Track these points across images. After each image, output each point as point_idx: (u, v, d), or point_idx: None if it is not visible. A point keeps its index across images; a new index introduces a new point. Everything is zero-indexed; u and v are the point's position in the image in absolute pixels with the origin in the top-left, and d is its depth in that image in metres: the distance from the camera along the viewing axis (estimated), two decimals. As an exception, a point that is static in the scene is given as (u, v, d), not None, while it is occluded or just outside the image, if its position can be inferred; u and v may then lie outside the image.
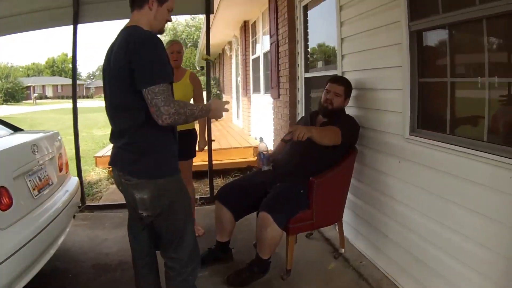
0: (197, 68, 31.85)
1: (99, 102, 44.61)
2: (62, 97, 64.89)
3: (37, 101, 54.00)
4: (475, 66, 2.19)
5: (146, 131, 2.05)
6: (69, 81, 70.53)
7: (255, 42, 8.91)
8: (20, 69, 76.56)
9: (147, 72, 1.91)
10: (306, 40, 4.90)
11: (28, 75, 73.48)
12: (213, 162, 5.95)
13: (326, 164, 3.06)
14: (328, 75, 3.78)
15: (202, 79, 16.66)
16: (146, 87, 1.90)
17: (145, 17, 2.06)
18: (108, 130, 2.27)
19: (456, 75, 2.30)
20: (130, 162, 2.09)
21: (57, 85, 70.67)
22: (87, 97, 72.98)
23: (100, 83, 78.24)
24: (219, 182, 6.67)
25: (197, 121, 3.86)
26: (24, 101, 56.60)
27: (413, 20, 2.51)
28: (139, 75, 1.92)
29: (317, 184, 2.95)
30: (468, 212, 2.11)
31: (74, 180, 3.59)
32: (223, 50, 14.90)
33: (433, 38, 2.51)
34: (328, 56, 4.46)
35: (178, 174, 2.21)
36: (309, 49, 4.91)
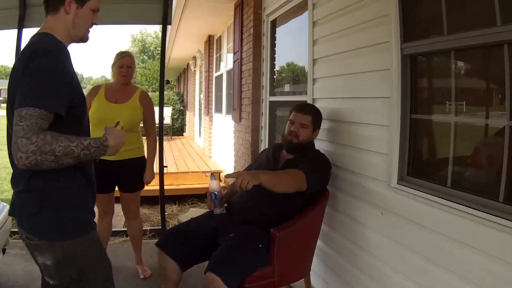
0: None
1: None
2: None
3: (3, 105, 51.53)
4: (488, 102, 1.69)
5: (45, 174, 1.47)
6: None
7: (219, 59, 8.36)
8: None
9: (24, 89, 1.36)
10: (273, 59, 4.37)
11: (-2, 78, 70.10)
12: (169, 187, 5.45)
13: (291, 210, 2.49)
14: (297, 101, 3.24)
15: (166, 93, 16.10)
16: (16, 108, 1.35)
17: (61, 23, 1.61)
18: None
19: (462, 112, 1.79)
20: (28, 215, 1.54)
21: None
22: None
23: None
24: (174, 209, 6.06)
25: (145, 146, 3.31)
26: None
27: (407, 41, 2.00)
28: (18, 93, 1.37)
29: (279, 238, 2.35)
30: (462, 282, 1.64)
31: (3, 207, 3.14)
32: (188, 64, 14.29)
33: (432, 64, 2.01)
34: (298, 79, 3.94)
35: (92, 232, 1.64)
36: (276, 69, 4.39)
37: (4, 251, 3.08)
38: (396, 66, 2.03)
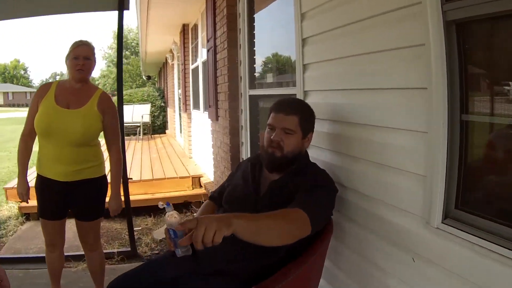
0: (144, 78, 29.95)
1: None
2: (13, 105, 61.91)
3: (4, 108, 50.09)
4: None
5: None
6: (21, 88, 69.21)
7: (195, 49, 7.54)
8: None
9: None
10: (251, 44, 3.60)
11: (-21, 81, 68.67)
12: (143, 197, 5.31)
13: (282, 256, 1.74)
14: (283, 95, 2.50)
15: (146, 90, 15.31)
16: None
17: None
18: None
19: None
20: None
21: (7, 92, 67.20)
22: None
23: None
24: (149, 223, 5.31)
25: (108, 164, 2.70)
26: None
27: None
28: None
29: (265, 299, 1.61)
30: None
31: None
32: (166, 58, 13.42)
33: (494, 36, 1.26)
34: (283, 67, 3.18)
35: None
36: (255, 57, 3.62)
37: None
38: (435, 39, 1.28)
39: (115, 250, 4.10)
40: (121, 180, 2.69)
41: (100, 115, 2.51)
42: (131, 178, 4.58)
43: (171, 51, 10.88)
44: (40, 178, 2.54)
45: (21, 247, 4.36)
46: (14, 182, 6.21)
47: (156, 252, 4.27)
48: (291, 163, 1.84)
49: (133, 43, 46.65)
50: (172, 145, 10.10)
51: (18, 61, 76.96)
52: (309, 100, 2.20)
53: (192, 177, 5.94)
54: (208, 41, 4.76)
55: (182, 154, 8.16)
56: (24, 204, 5.54)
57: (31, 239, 4.57)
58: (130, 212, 3.94)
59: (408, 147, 1.47)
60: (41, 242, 2.74)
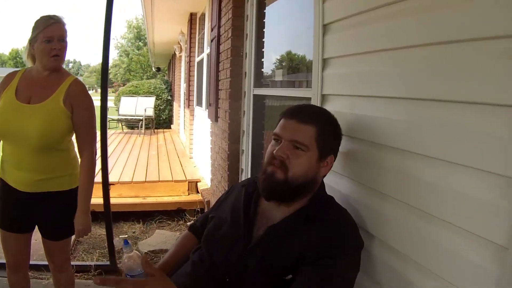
0: (153, 69, 29.35)
1: None
2: None
3: None
4: None
5: None
6: None
7: (201, 40, 6.97)
8: (-20, 60, 71.61)
9: None
10: (260, 34, 3.02)
11: (-10, 66, 68.69)
12: (133, 201, 5.08)
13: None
14: (295, 98, 1.91)
15: (153, 82, 14.90)
16: None
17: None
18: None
19: None
20: None
21: None
22: None
23: None
24: (137, 230, 4.80)
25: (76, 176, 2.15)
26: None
27: None
28: None
29: None
30: None
31: None
32: (175, 50, 12.86)
33: None
34: (298, 63, 2.58)
35: None
36: (264, 49, 3.03)
37: None
38: None
39: (93, 263, 3.57)
40: (91, 191, 2.13)
41: (67, 110, 1.98)
42: (113, 184, 4.02)
43: (178, 42, 10.33)
44: (1, 182, 2.09)
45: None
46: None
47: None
48: (296, 194, 1.25)
49: (146, 34, 46.46)
50: (174, 142, 9.55)
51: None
52: (329, 108, 1.60)
53: (189, 182, 5.39)
54: (212, 29, 4.19)
55: (182, 153, 7.60)
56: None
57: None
58: (110, 221, 3.41)
59: (482, 198, 0.87)
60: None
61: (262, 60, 3.06)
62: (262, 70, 3.06)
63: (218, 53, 3.77)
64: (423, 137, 1.06)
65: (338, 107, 1.54)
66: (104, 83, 3.20)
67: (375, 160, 1.29)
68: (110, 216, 3.37)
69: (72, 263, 3.33)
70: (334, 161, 1.32)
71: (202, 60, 6.58)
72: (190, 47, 7.53)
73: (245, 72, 3.17)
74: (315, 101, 1.72)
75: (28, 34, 2.02)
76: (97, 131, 2.20)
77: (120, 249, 4.23)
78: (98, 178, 3.71)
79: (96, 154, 2.16)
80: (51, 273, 2.37)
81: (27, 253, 2.23)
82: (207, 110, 5.46)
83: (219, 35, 3.75)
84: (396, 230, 1.17)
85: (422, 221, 1.06)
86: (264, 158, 1.30)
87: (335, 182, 1.52)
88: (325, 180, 1.35)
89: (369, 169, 1.32)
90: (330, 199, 1.33)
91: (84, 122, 2.06)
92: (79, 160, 2.12)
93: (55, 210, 2.09)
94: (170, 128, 14.32)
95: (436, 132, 1.02)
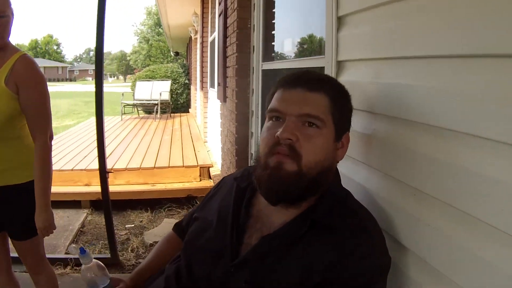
0: (172, 54, 29.03)
1: (82, 86, 42.48)
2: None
3: None
4: None
5: None
6: (52, 63, 70.70)
7: (214, 19, 6.60)
8: (1, 50, 74.23)
9: None
10: (269, 5, 2.66)
11: (10, 57, 70.74)
12: (142, 188, 4.85)
13: None
14: (307, 68, 1.56)
15: (170, 66, 14.69)
16: None
17: None
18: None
19: None
20: None
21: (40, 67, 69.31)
22: (70, 80, 71.73)
23: (85, 66, 79.76)
24: (144, 220, 4.55)
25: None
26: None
27: None
28: None
29: None
30: None
31: None
32: (190, 33, 12.53)
33: None
34: (311, 32, 2.22)
35: None
36: (275, 21, 2.67)
37: None
38: None
39: (93, 256, 3.31)
40: (48, 182, 1.85)
41: (11, 91, 1.71)
42: (112, 172, 3.76)
43: (193, 24, 9.99)
44: None
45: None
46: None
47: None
48: (309, 191, 0.92)
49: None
50: (189, 126, 9.26)
51: (51, 37, 78.97)
52: (346, 78, 1.25)
53: (201, 167, 5.09)
54: (219, 3, 3.83)
55: (197, 138, 7.30)
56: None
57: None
58: (110, 211, 3.17)
59: None
60: None
61: (273, 32, 2.70)
62: (273, 44, 2.71)
63: (225, 27, 3.43)
64: (489, 113, 0.70)
65: (358, 76, 1.19)
66: (99, 68, 2.94)
67: (409, 144, 0.94)
68: (109, 206, 3.13)
69: (71, 256, 3.11)
70: (348, 140, 1.00)
71: (214, 39, 6.24)
72: (203, 27, 7.19)
73: (253, 46, 2.82)
74: (329, 70, 1.37)
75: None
76: (50, 113, 1.88)
77: (126, 240, 3.99)
78: (95, 165, 3.46)
79: (51, 139, 1.85)
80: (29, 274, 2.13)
81: (4, 254, 2.00)
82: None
83: (226, 8, 3.40)
84: (440, 245, 0.81)
85: (480, 237, 0.71)
86: (260, 147, 0.95)
87: (351, 170, 1.17)
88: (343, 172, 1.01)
89: (400, 157, 0.97)
90: (345, 197, 0.98)
91: (32, 104, 1.78)
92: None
93: (16, 206, 1.85)
94: (187, 112, 14.06)
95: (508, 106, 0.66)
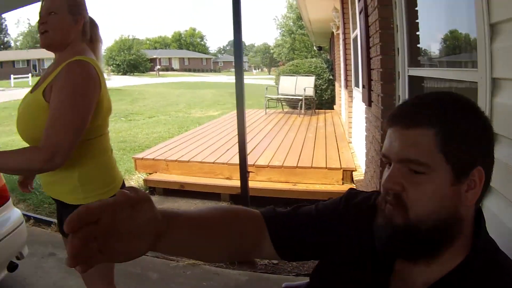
0: (314, 48, 28.99)
1: (226, 77, 44.95)
2: (189, 70, 69.77)
3: (160, 73, 57.11)
4: None
5: None
6: (196, 54, 77.49)
7: (355, 15, 6.41)
8: (147, 41, 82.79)
9: None
10: (411, 2, 2.47)
11: (156, 48, 79.17)
12: (283, 187, 4.89)
13: None
14: (461, 86, 1.42)
15: (314, 61, 14.77)
16: None
17: None
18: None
19: None
20: None
21: (183, 58, 75.41)
22: (215, 71, 75.84)
23: (228, 57, 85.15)
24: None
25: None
26: (148, 73, 60.44)
27: None
28: None
29: None
30: None
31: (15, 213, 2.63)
32: (332, 28, 12.38)
33: None
34: (461, 36, 2.00)
35: None
36: (419, 20, 2.48)
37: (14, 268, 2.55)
38: None
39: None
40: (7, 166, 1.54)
41: (45, 101, 1.51)
42: (252, 172, 3.88)
43: (333, 19, 9.87)
44: None
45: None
46: (146, 153, 6.22)
47: (276, 262, 3.35)
48: (432, 244, 0.79)
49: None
50: (334, 124, 9.16)
51: (194, 30, 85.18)
52: (501, 100, 1.09)
53: (344, 170, 4.99)
54: (359, 0, 3.71)
55: (341, 137, 7.19)
56: (150, 177, 5.42)
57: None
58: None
59: None
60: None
61: (417, 33, 2.51)
62: (418, 46, 2.51)
63: (367, 26, 3.30)
64: None
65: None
66: (239, 61, 3.23)
67: None
68: (248, 204, 3.24)
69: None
70: (486, 176, 0.79)
71: (356, 36, 6.06)
72: (344, 23, 7.03)
73: (398, 49, 2.66)
74: (483, 88, 1.21)
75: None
76: (74, 128, 1.48)
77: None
78: (236, 159, 3.53)
79: (62, 157, 1.45)
80: None
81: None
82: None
83: (366, 5, 3.27)
84: None
85: None
86: (381, 194, 0.85)
87: (502, 211, 1.01)
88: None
89: None
90: (495, 251, 0.83)
91: (54, 107, 1.47)
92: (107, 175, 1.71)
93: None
94: (332, 109, 13.94)
95: None
